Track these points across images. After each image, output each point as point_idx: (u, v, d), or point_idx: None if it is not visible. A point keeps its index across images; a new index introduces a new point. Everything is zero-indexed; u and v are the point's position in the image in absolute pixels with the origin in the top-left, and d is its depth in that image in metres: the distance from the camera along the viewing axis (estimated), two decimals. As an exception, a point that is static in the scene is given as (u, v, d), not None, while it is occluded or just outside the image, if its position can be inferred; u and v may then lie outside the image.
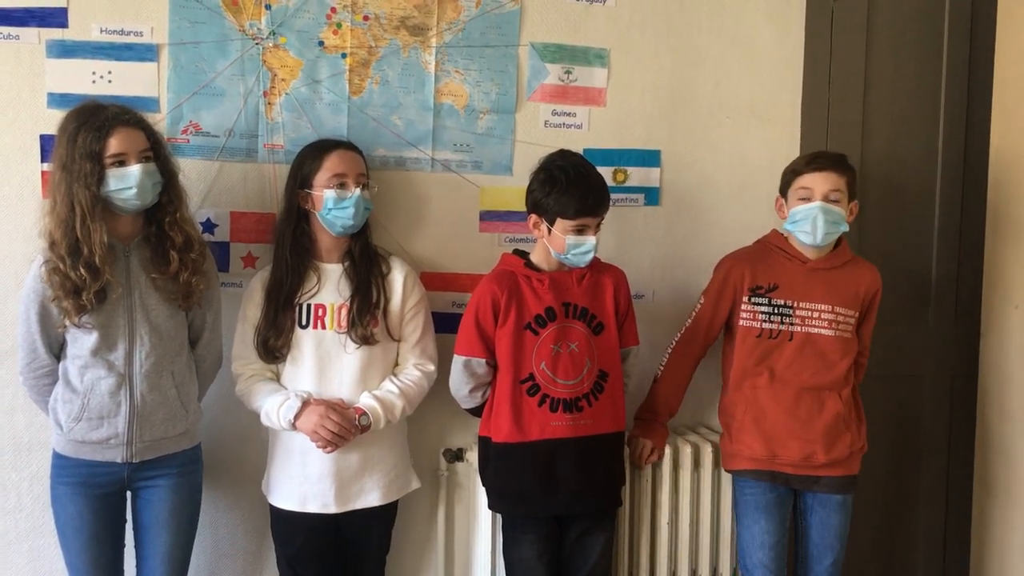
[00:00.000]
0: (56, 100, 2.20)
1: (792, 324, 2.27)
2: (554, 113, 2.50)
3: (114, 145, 1.90)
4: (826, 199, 2.22)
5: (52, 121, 2.18)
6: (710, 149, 2.60)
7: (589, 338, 2.18)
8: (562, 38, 2.49)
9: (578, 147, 2.45)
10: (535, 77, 2.48)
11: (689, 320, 2.39)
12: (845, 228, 2.26)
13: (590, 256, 2.14)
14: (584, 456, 2.15)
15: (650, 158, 2.58)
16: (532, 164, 2.22)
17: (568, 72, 2.51)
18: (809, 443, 2.24)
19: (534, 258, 2.23)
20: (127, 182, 1.92)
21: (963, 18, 2.82)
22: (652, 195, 2.59)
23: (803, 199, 2.25)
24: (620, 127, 2.56)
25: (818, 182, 2.23)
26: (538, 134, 2.48)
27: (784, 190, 2.33)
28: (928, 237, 2.86)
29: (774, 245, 2.36)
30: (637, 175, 2.57)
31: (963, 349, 2.86)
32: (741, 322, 2.31)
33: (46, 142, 2.19)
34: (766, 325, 2.29)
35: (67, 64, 2.21)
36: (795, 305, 2.28)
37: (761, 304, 2.29)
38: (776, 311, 2.29)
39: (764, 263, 2.33)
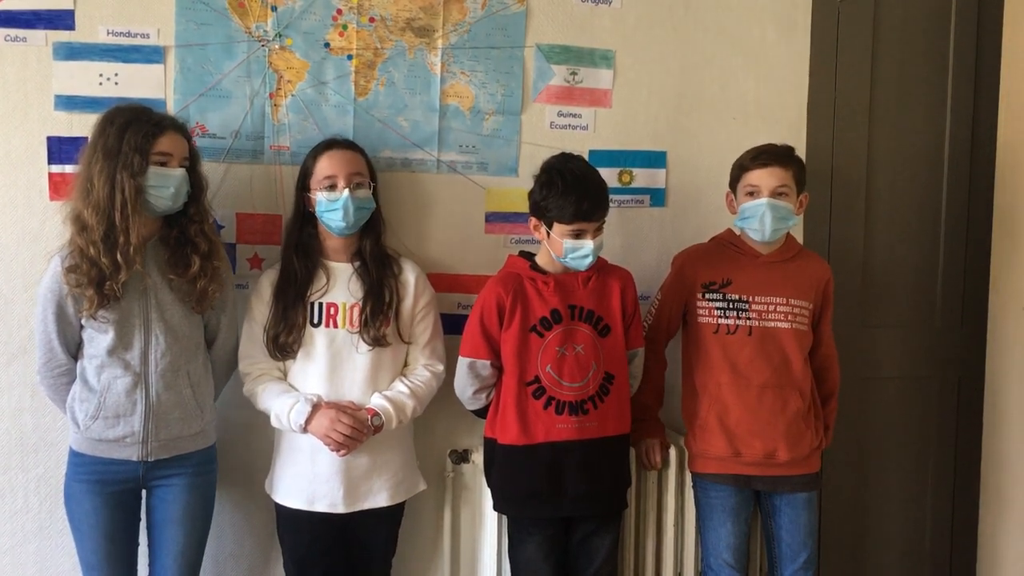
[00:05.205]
0: (63, 102, 2.21)
1: (749, 319, 2.28)
2: (560, 114, 2.50)
3: (164, 144, 1.95)
4: (773, 195, 2.23)
5: (59, 123, 2.21)
6: (716, 150, 2.59)
7: (595, 340, 2.18)
8: (568, 39, 2.49)
9: (584, 148, 2.46)
10: (541, 78, 2.48)
11: (650, 317, 2.41)
12: (794, 222, 2.28)
13: (589, 260, 2.13)
14: (590, 459, 2.15)
15: (656, 159, 2.58)
16: (538, 165, 2.22)
17: (574, 73, 2.51)
18: (771, 440, 2.25)
19: (540, 260, 2.22)
20: (168, 182, 1.95)
21: (970, 18, 2.81)
22: (658, 196, 2.59)
23: (750, 195, 2.26)
24: (626, 128, 2.56)
25: (764, 178, 2.24)
26: (544, 135, 2.48)
27: (733, 185, 2.34)
28: (935, 238, 2.85)
29: (727, 242, 2.38)
30: (643, 176, 2.57)
31: (969, 351, 2.86)
32: (699, 319, 2.32)
33: (53, 144, 2.21)
34: (723, 320, 2.29)
35: (74, 66, 2.21)
36: (750, 299, 2.29)
37: (716, 300, 2.30)
38: (732, 306, 2.29)
39: (717, 259, 2.35)
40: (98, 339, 1.98)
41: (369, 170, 2.21)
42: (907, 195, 2.82)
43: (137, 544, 2.10)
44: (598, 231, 2.14)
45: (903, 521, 2.90)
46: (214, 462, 2.16)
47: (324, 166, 2.14)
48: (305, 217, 2.19)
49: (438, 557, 2.51)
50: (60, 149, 2.21)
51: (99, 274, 1.91)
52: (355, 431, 2.07)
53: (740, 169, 2.31)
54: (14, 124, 2.20)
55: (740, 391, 2.26)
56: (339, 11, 2.35)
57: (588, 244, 2.11)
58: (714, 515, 2.32)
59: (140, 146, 1.91)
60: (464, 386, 2.21)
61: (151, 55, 2.25)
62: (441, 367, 2.27)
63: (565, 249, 2.11)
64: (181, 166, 1.99)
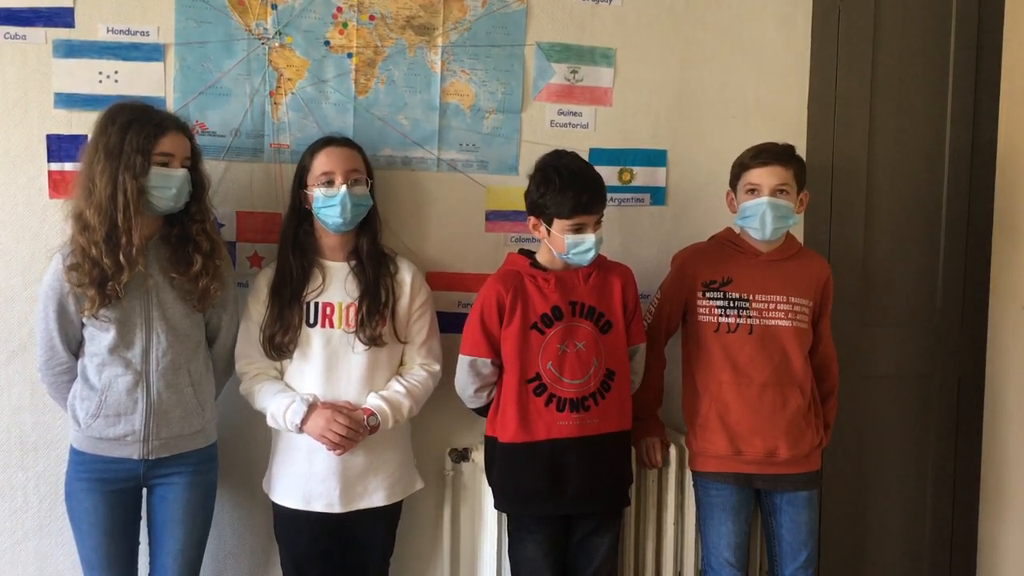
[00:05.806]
0: (63, 100, 2.21)
1: (750, 317, 2.28)
2: (560, 113, 2.50)
3: (166, 144, 1.95)
4: (773, 193, 2.24)
5: (59, 121, 2.21)
6: (716, 149, 2.59)
7: (596, 337, 2.17)
8: (568, 38, 2.49)
9: (584, 147, 2.46)
10: (541, 77, 2.48)
11: (649, 316, 2.40)
12: (794, 221, 2.29)
13: (592, 254, 2.13)
14: (591, 456, 2.14)
15: (656, 158, 2.58)
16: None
17: (574, 72, 2.50)
18: (772, 438, 2.25)
19: (540, 258, 2.22)
20: (169, 183, 1.95)
21: (970, 18, 2.81)
22: (658, 195, 2.59)
23: (751, 193, 2.27)
24: (626, 127, 2.56)
25: (764, 177, 2.24)
26: (544, 134, 2.48)
27: (733, 184, 2.35)
28: (935, 238, 2.85)
29: (727, 240, 2.38)
30: (643, 175, 2.57)
31: (970, 351, 2.85)
32: (699, 318, 2.32)
33: (52, 142, 2.20)
34: (723, 319, 2.30)
35: (74, 64, 2.21)
36: (751, 298, 2.29)
37: (716, 298, 2.31)
38: (732, 304, 2.30)
39: (717, 258, 2.35)
40: (99, 337, 1.98)
41: (366, 167, 2.21)
42: (907, 195, 2.82)
43: (137, 543, 2.10)
44: (598, 224, 2.14)
45: (903, 521, 2.89)
46: (215, 460, 2.15)
47: (321, 162, 2.14)
48: (301, 215, 2.18)
49: (438, 556, 2.51)
50: (60, 147, 2.20)
51: (101, 274, 1.91)
52: (351, 431, 2.07)
53: (740, 167, 2.31)
54: (14, 122, 2.20)
55: (741, 389, 2.26)
56: (339, 9, 2.34)
57: (590, 238, 2.11)
58: (714, 513, 2.32)
59: (142, 146, 1.91)
60: (465, 384, 2.21)
61: (151, 53, 2.25)
62: (437, 367, 2.26)
63: (567, 245, 2.11)
64: (183, 166, 1.98)
